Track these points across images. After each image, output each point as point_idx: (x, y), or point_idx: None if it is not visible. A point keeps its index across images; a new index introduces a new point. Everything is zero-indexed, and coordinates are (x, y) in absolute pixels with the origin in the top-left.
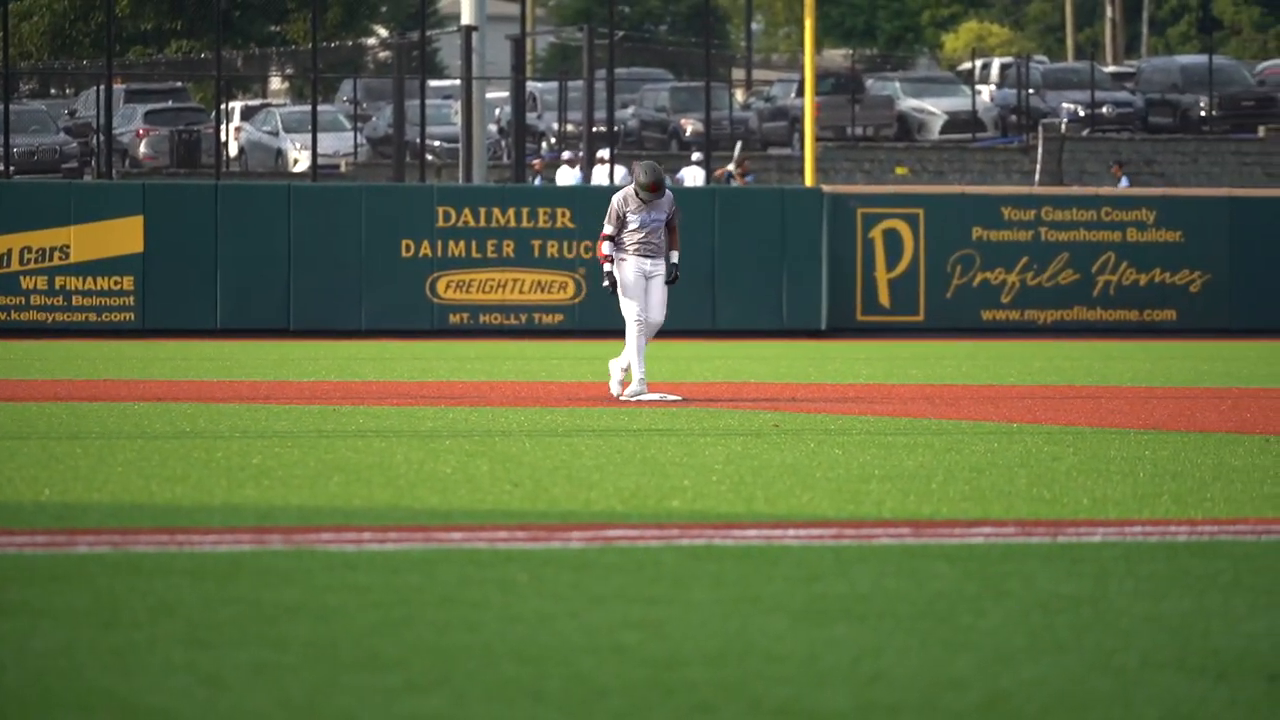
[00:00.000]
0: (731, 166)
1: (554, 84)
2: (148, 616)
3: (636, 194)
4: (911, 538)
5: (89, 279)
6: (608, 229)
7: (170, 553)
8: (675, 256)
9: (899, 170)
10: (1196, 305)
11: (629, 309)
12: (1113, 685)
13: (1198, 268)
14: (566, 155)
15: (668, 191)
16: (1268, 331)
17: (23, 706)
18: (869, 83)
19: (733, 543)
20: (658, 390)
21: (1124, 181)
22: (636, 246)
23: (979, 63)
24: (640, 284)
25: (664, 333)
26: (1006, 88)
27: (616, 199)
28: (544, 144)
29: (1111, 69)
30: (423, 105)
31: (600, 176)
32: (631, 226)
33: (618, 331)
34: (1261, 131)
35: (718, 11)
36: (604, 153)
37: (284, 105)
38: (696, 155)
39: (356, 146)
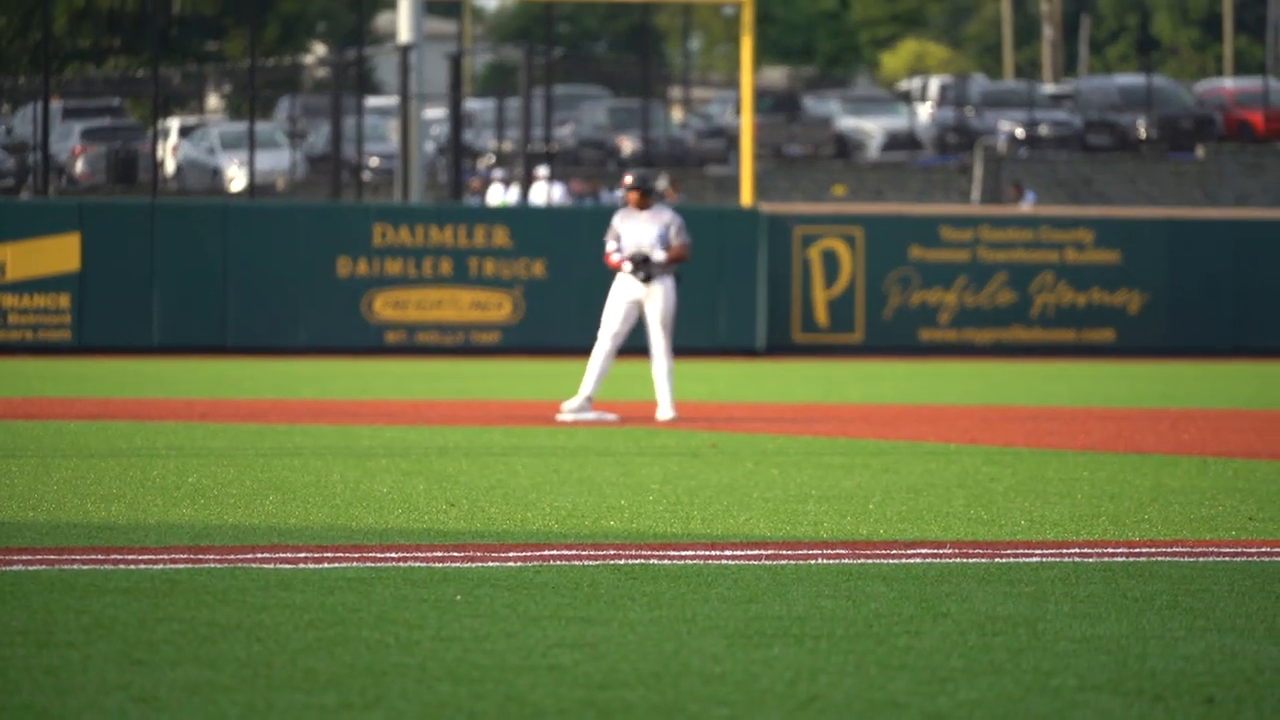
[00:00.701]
0: (662, 185)
1: (491, 102)
2: (83, 635)
3: (626, 202)
4: (849, 558)
5: (25, 296)
6: (609, 246)
7: (105, 571)
8: (658, 256)
9: (837, 190)
10: (1135, 326)
11: (603, 327)
12: (1050, 707)
13: (1136, 288)
14: (499, 174)
15: (666, 209)
16: (1206, 352)
17: None
18: (807, 101)
19: (669, 563)
20: (597, 410)
21: (1028, 198)
22: (625, 263)
23: (917, 82)
24: (620, 306)
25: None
26: (945, 107)
27: (617, 214)
28: (481, 162)
29: (1050, 89)
30: (360, 123)
31: (538, 195)
32: (623, 241)
33: (557, 349)
34: (1200, 152)
35: (655, 30)
36: (542, 170)
37: (221, 123)
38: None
39: (294, 164)
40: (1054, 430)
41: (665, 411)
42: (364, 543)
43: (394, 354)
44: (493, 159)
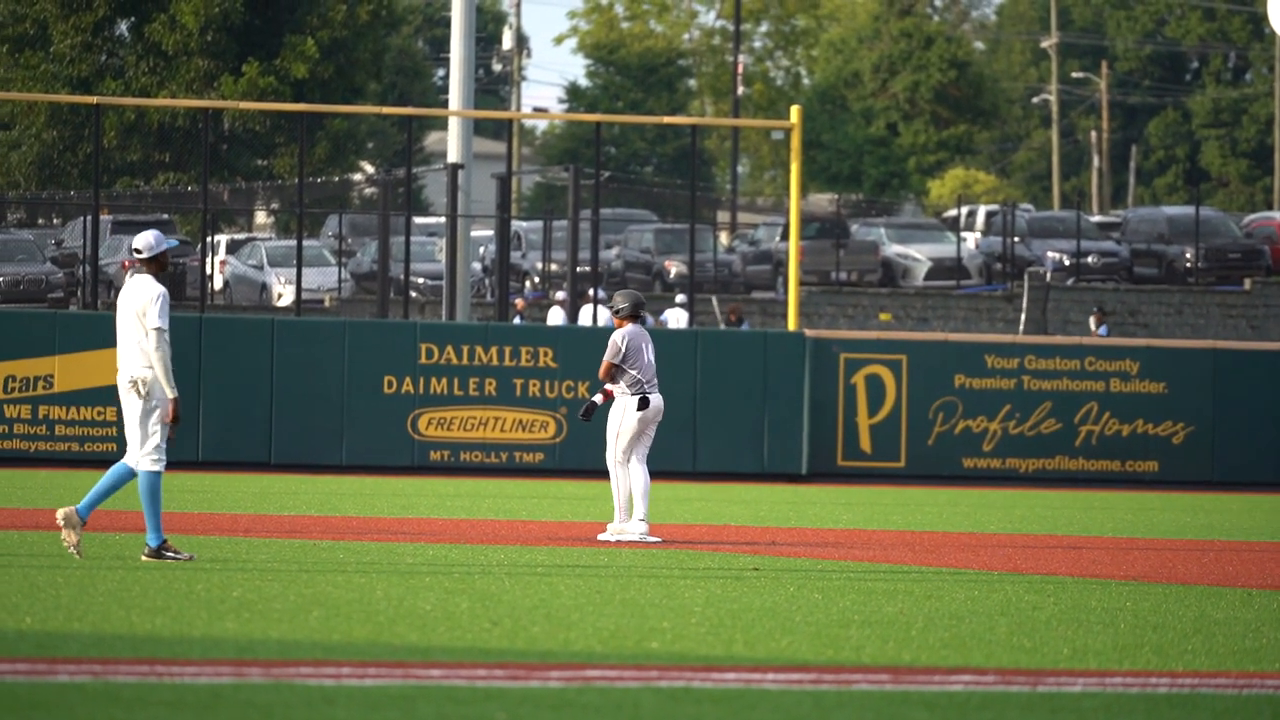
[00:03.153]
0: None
1: (539, 223)
2: None
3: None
4: (891, 684)
5: (72, 408)
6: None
7: (150, 683)
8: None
9: (882, 316)
10: (1179, 457)
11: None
12: None
13: (1180, 419)
14: (559, 296)
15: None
16: (1250, 485)
17: None
18: (854, 228)
19: (711, 685)
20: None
21: (1103, 330)
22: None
23: (964, 210)
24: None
25: None
26: (992, 235)
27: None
28: (528, 283)
29: (1097, 218)
30: (407, 242)
31: (586, 317)
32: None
33: (598, 472)
34: (1247, 284)
35: (704, 154)
36: (589, 292)
37: (269, 239)
38: (680, 297)
39: (341, 282)
40: (1097, 560)
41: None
42: (407, 659)
43: (438, 472)
44: (542, 281)
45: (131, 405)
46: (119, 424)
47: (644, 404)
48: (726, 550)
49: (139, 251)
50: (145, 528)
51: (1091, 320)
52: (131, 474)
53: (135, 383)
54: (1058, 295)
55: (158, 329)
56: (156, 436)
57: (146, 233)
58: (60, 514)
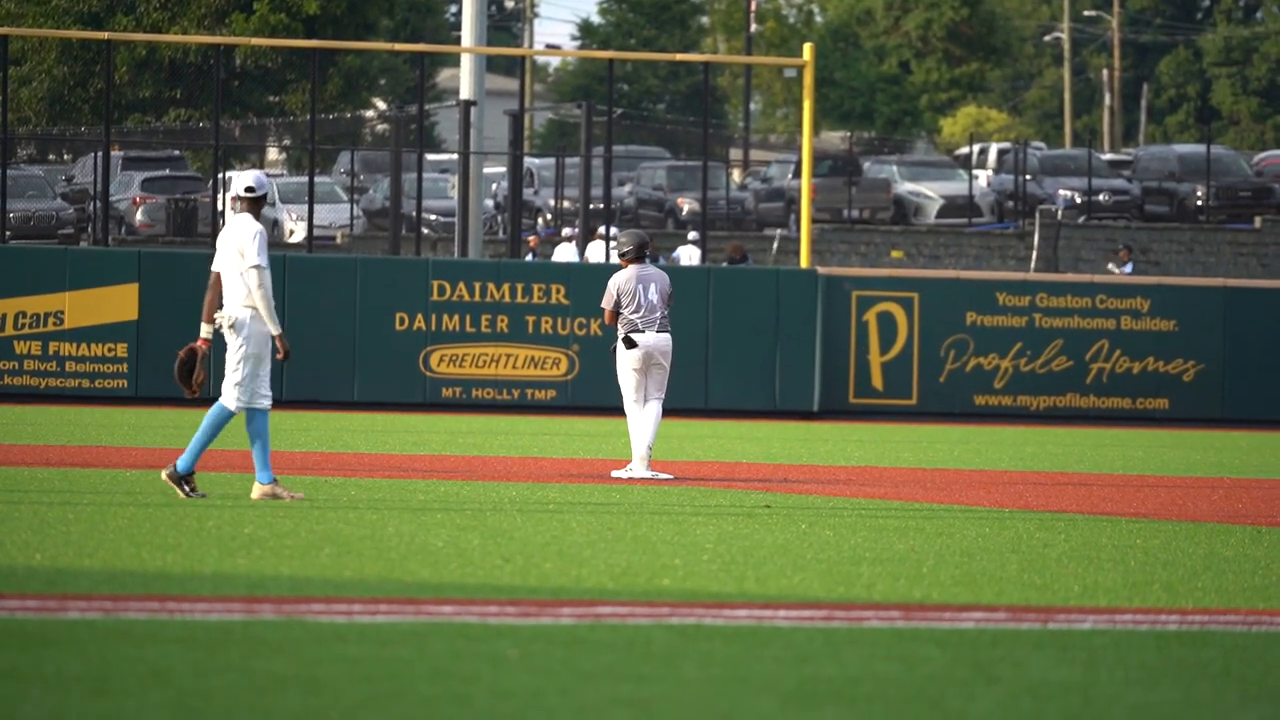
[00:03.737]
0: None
1: (551, 160)
2: (138, 684)
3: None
4: (902, 621)
5: (83, 345)
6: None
7: (161, 620)
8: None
9: (894, 254)
10: (1189, 395)
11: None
12: None
13: (1191, 357)
14: (566, 232)
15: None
16: (1260, 422)
17: None
18: (866, 165)
19: (723, 622)
20: (652, 469)
21: (1128, 269)
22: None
23: (976, 148)
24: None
25: None
26: (1004, 173)
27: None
28: (540, 220)
29: (1109, 156)
30: (419, 179)
31: (596, 253)
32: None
33: (611, 409)
34: (1258, 222)
35: (716, 91)
36: (600, 229)
37: (281, 175)
38: (693, 234)
39: (353, 219)
40: (1108, 497)
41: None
42: (419, 596)
43: (450, 410)
44: (554, 218)
45: (229, 343)
46: (129, 360)
47: (629, 344)
48: (738, 488)
49: (251, 190)
50: (174, 459)
51: (1116, 260)
52: (227, 412)
53: (231, 321)
54: (1069, 233)
55: (257, 266)
56: (238, 374)
57: (254, 172)
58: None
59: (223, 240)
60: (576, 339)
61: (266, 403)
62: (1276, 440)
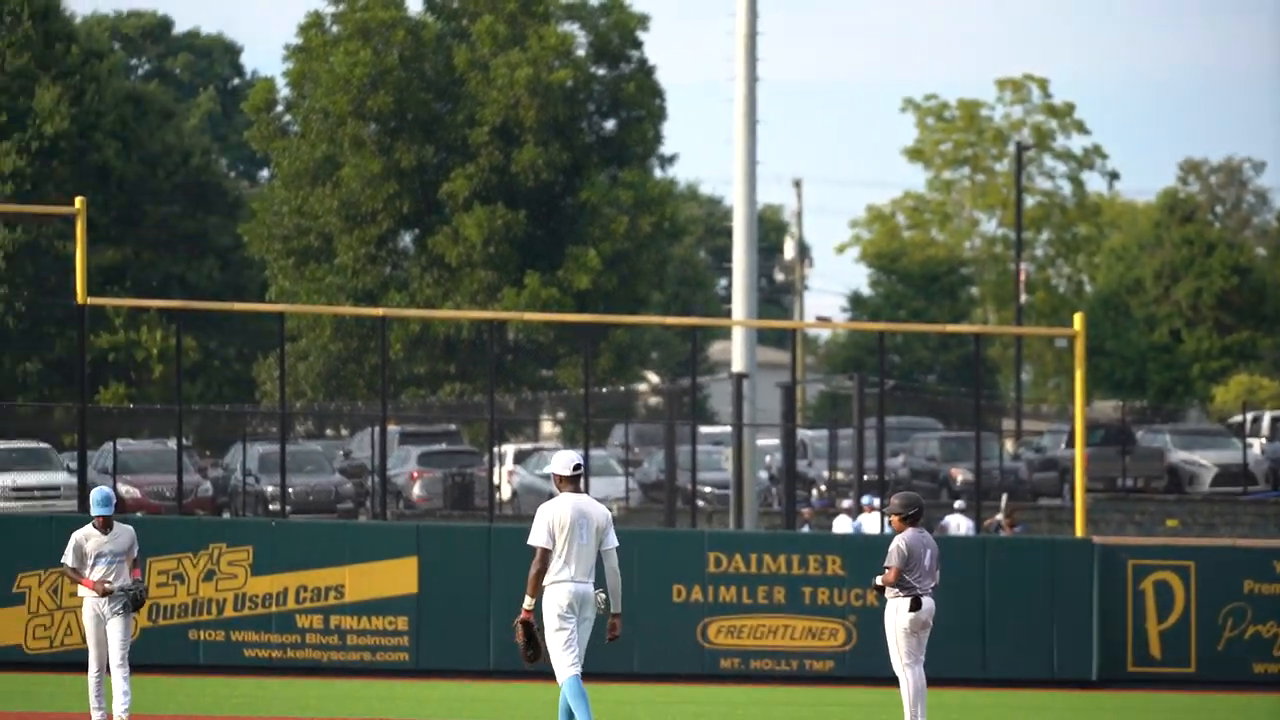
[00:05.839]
0: (1000, 517)
1: (824, 432)
2: None
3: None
4: None
5: (363, 618)
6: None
7: None
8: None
9: (1170, 523)
10: None
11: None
12: None
13: None
14: (846, 504)
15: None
16: None
17: None
18: (1139, 434)
19: None
20: None
21: None
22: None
23: (1249, 416)
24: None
25: (932, 681)
26: (1278, 441)
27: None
28: (814, 491)
29: None
30: (694, 451)
31: (871, 525)
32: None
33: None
34: None
35: (987, 362)
36: (873, 501)
37: (556, 449)
38: (959, 503)
39: (628, 491)
40: None
41: None
42: None
43: (728, 680)
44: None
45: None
46: (410, 633)
47: (916, 604)
48: None
49: (579, 467)
50: None
51: None
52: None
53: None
54: None
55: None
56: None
57: (573, 452)
58: None
59: (568, 516)
60: (853, 610)
61: (562, 673)
62: None
